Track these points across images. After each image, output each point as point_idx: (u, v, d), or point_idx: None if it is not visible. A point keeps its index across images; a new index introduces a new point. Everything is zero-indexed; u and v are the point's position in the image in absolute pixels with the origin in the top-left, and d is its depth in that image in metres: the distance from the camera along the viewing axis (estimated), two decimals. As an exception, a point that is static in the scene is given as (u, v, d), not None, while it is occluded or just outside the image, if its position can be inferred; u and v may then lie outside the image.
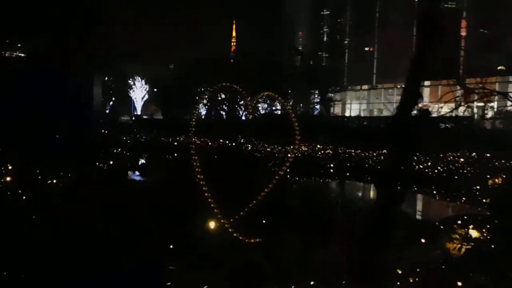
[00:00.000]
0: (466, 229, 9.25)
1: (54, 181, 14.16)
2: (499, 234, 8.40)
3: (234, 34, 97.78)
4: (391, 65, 44.33)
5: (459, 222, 9.62)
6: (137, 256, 9.11)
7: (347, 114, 49.55)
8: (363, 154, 26.26)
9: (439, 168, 21.99)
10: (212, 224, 10.85)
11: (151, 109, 62.33)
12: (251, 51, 58.52)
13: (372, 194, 20.48)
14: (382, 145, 25.74)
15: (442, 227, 9.68)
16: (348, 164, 25.94)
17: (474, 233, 9.04)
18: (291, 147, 13.27)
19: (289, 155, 12.43)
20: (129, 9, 57.06)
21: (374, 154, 26.12)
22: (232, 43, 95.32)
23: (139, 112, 62.67)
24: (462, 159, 21.74)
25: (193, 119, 9.85)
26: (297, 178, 23.34)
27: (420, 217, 11.29)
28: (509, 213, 8.92)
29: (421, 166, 22.80)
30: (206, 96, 10.00)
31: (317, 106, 51.05)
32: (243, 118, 56.58)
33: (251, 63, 52.95)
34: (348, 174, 25.12)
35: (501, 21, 34.49)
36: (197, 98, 60.04)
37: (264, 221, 12.30)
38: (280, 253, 9.48)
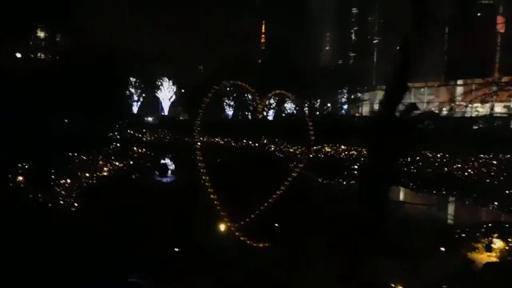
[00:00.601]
0: (490, 238, 8.52)
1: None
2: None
3: (263, 35, 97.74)
4: (420, 63, 42.85)
5: (483, 230, 8.88)
6: (135, 259, 8.90)
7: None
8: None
9: (469, 170, 20.91)
10: (220, 228, 10.54)
11: (177, 110, 62.87)
12: (278, 51, 58.08)
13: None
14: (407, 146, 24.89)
15: (463, 235, 8.95)
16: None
17: (498, 243, 8.30)
18: (304, 148, 12.82)
19: (305, 156, 11.94)
20: (154, 9, 57.80)
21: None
22: (262, 43, 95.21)
23: (166, 113, 63.26)
24: (494, 162, 20.56)
25: (198, 120, 9.54)
26: (319, 180, 22.76)
27: (443, 223, 10.54)
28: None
29: (448, 168, 21.80)
30: (210, 95, 9.64)
31: (345, 106, 50.18)
32: (269, 118, 56.23)
33: (278, 63, 52.53)
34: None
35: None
36: (222, 98, 60.51)
37: (276, 224, 11.90)
38: (283, 259, 9.05)
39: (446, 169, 22.25)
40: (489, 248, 8.22)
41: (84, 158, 19.37)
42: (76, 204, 12.76)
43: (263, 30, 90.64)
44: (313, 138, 11.24)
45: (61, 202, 12.50)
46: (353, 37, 50.80)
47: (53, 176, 13.41)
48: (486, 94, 32.35)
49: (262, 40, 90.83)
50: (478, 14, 41.33)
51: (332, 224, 11.42)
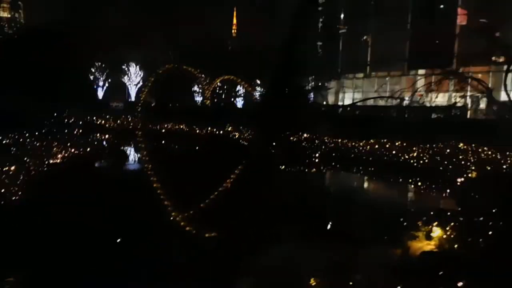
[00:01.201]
0: (430, 227, 8.68)
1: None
2: (463, 233, 7.82)
3: (234, 21, 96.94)
4: (385, 53, 43.55)
5: (425, 218, 9.04)
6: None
7: (341, 103, 48.81)
8: (349, 144, 25.66)
9: (424, 159, 21.41)
10: (167, 218, 10.36)
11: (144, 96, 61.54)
12: (248, 39, 57.60)
13: (352, 184, 19.99)
14: (372, 134, 25.40)
15: (405, 224, 9.09)
16: (334, 154, 25.41)
17: (438, 231, 8.47)
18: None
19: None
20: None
21: (361, 143, 25.49)
22: (233, 30, 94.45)
23: (133, 99, 61.98)
24: (449, 150, 21.09)
25: (139, 104, 9.22)
26: (280, 168, 22.85)
27: (388, 212, 10.70)
28: (474, 208, 8.30)
29: (406, 156, 22.26)
30: (152, 79, 9.34)
31: (312, 95, 50.33)
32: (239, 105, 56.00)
33: (245, 51, 52.24)
34: (333, 164, 24.63)
35: (497, 8, 33.59)
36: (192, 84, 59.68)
37: (227, 214, 11.81)
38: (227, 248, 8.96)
39: (403, 156, 22.70)
40: (428, 237, 8.37)
41: (35, 142, 18.65)
42: (19, 194, 12.25)
43: (234, 21, 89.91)
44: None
45: (2, 191, 11.93)
46: (320, 25, 50.69)
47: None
48: (442, 84, 33.39)
49: (234, 29, 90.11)
50: (441, 6, 42.18)
51: (281, 212, 11.45)
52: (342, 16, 51.83)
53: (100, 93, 58.64)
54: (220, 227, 10.33)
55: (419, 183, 18.80)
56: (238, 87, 52.26)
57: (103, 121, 35.92)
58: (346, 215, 10.62)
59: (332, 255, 8.33)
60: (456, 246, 7.57)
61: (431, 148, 22.01)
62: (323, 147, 26.35)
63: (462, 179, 15.40)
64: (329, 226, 9.87)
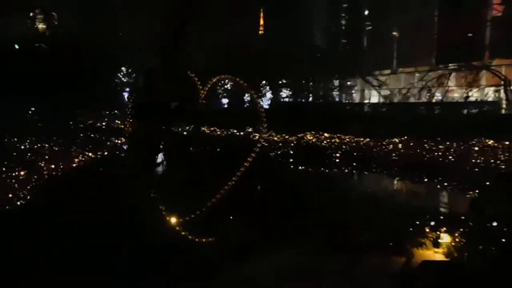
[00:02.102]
0: (437, 233, 8.01)
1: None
2: (472, 240, 7.13)
3: (261, 22, 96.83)
4: (412, 48, 42.13)
5: (433, 223, 8.36)
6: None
7: (366, 101, 47.62)
8: (371, 143, 24.77)
9: (450, 157, 20.37)
10: (166, 223, 10.10)
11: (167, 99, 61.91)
12: (272, 39, 57.39)
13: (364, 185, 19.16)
14: (397, 132, 24.50)
15: (412, 229, 8.43)
16: (355, 154, 24.57)
17: (446, 238, 7.79)
18: (259, 136, 12.32)
19: (257, 145, 11.41)
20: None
21: (384, 142, 24.59)
22: (260, 32, 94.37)
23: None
24: (477, 148, 19.96)
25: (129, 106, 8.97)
26: (299, 168, 22.40)
27: (399, 215, 10.04)
28: (487, 214, 7.57)
29: (432, 155, 21.25)
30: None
31: (336, 94, 49.54)
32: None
33: (270, 51, 52.10)
34: (355, 164, 23.83)
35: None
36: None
37: (230, 218, 11.46)
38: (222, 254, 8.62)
39: (429, 155, 21.72)
40: (436, 244, 7.71)
41: (54, 147, 18.88)
42: (27, 199, 12.31)
43: (261, 22, 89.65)
44: (265, 125, 10.78)
45: (10, 196, 11.99)
46: (344, 23, 49.76)
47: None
48: (474, 78, 31.91)
49: (261, 29, 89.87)
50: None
51: (286, 215, 10.99)
52: (366, 12, 50.57)
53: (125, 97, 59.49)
54: (219, 232, 10.02)
55: (444, 184, 17.82)
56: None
57: (124, 125, 36.24)
58: (353, 219, 10.04)
59: (331, 261, 7.89)
60: (465, 254, 6.91)
61: (458, 146, 20.93)
62: (345, 146, 25.56)
63: (488, 179, 14.42)
64: (332, 230, 9.32)
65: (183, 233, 9.27)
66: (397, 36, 45.98)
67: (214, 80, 10.90)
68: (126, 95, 57.67)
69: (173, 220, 10.49)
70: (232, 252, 9.13)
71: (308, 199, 13.83)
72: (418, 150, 22.18)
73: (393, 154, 23.45)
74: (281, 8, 58.75)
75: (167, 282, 7.72)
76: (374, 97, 46.40)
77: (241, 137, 31.64)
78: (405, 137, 23.80)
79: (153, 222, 9.96)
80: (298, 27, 52.29)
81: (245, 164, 10.98)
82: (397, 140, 24.12)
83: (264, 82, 55.22)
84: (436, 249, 7.60)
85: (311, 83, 51.66)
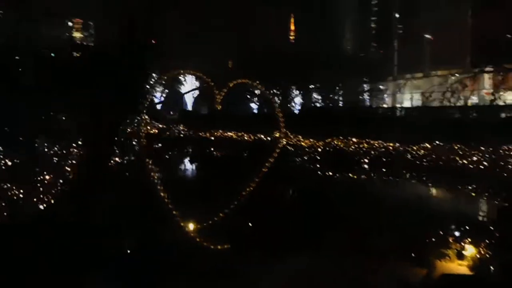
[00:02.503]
0: (462, 244, 7.53)
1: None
2: (498, 252, 6.64)
3: (292, 27, 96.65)
4: (446, 50, 40.74)
5: (457, 233, 7.87)
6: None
7: (399, 105, 46.42)
8: (401, 149, 24.01)
9: (485, 163, 19.43)
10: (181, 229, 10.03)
11: (199, 105, 62.64)
12: (302, 43, 57.15)
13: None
14: (429, 137, 23.68)
15: (434, 239, 7.97)
16: (385, 159, 23.89)
17: (471, 249, 7.31)
18: (278, 140, 12.10)
19: (276, 150, 11.16)
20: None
21: (415, 147, 23.78)
22: (290, 36, 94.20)
23: (189, 108, 63.24)
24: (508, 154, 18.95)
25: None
26: (327, 174, 22.01)
27: (424, 225, 9.57)
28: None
29: (464, 161, 20.37)
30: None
31: (367, 98, 48.63)
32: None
33: (300, 56, 51.94)
34: (384, 170, 23.19)
35: None
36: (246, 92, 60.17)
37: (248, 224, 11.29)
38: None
39: (461, 161, 20.84)
40: (460, 256, 7.24)
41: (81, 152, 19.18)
42: (50, 203, 12.53)
43: (292, 27, 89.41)
44: (284, 130, 10.55)
45: (34, 200, 12.24)
46: (374, 25, 48.88)
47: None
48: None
49: (291, 35, 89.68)
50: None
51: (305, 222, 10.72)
52: (397, 14, 49.50)
53: (158, 104, 60.46)
54: (235, 238, 9.86)
55: (477, 191, 17.00)
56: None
57: (153, 130, 36.80)
58: (376, 226, 9.64)
59: (351, 269, 7.57)
60: (490, 268, 6.43)
61: (493, 151, 19.96)
62: (373, 152, 24.91)
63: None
64: (352, 237, 8.99)
65: (197, 239, 9.13)
66: (429, 38, 44.70)
67: (230, 85, 10.79)
68: (156, 100, 58.94)
69: (191, 225, 10.42)
70: (247, 258, 8.96)
71: (330, 206, 13.50)
72: (450, 156, 21.33)
73: (424, 160, 22.68)
74: (311, 12, 58.51)
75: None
76: (407, 101, 45.22)
77: (269, 142, 31.51)
78: (437, 142, 22.95)
79: (168, 228, 9.89)
80: (327, 30, 51.82)
81: (262, 169, 10.75)
82: (428, 145, 23.29)
83: (294, 86, 55.04)
84: (460, 261, 7.13)
85: (340, 87, 51.02)
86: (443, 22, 40.63)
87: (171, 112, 58.06)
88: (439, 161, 21.83)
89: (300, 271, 7.63)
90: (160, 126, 38.43)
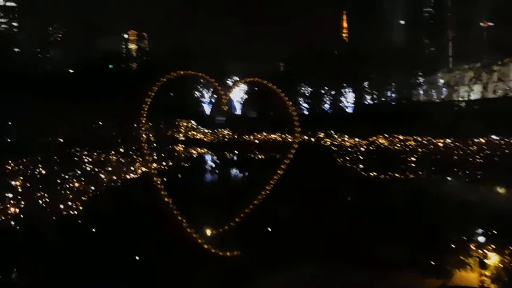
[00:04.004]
0: (485, 251, 6.57)
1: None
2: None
3: (345, 24, 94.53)
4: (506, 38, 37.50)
5: (481, 239, 6.88)
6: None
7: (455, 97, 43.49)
8: (453, 145, 22.28)
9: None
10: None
11: (249, 108, 62.59)
12: (354, 40, 55.82)
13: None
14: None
15: (454, 246, 7.02)
16: (433, 157, 22.26)
17: (494, 257, 6.35)
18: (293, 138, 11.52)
19: (291, 150, 10.57)
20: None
21: (469, 142, 22.00)
22: (343, 34, 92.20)
23: (238, 112, 63.50)
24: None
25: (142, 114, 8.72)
26: (364, 174, 20.99)
27: (448, 228, 8.57)
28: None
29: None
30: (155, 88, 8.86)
31: (421, 91, 46.13)
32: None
33: (352, 54, 50.82)
34: (432, 168, 21.65)
35: None
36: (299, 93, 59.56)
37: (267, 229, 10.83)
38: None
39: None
40: (483, 264, 6.31)
41: (120, 158, 19.60)
42: (79, 210, 12.79)
43: (344, 24, 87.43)
44: (299, 129, 10.02)
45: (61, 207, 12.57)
46: (427, 15, 46.38)
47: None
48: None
49: (345, 31, 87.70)
50: None
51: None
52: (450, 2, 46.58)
53: (207, 108, 61.23)
54: (248, 245, 9.45)
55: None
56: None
57: (200, 135, 37.16)
58: (396, 232, 8.81)
59: (361, 277, 6.89)
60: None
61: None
62: (421, 149, 23.33)
63: None
64: (369, 243, 8.25)
65: (205, 246, 8.81)
66: (486, 25, 41.45)
67: (238, 84, 10.36)
68: (204, 105, 59.87)
69: (208, 231, 10.16)
70: (260, 266, 8.53)
71: (362, 208, 12.70)
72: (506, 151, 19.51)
73: (477, 156, 20.92)
74: (361, 8, 56.88)
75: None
76: (464, 93, 42.08)
77: (312, 142, 30.70)
78: (492, 136, 21.13)
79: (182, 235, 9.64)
80: (379, 25, 50.01)
81: (279, 171, 10.22)
82: (482, 140, 21.50)
83: (345, 84, 53.67)
84: (482, 271, 6.19)
85: (392, 82, 48.95)
86: (502, 8, 37.51)
87: (219, 117, 58.65)
88: (495, 158, 20.05)
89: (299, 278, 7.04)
90: (206, 130, 38.89)
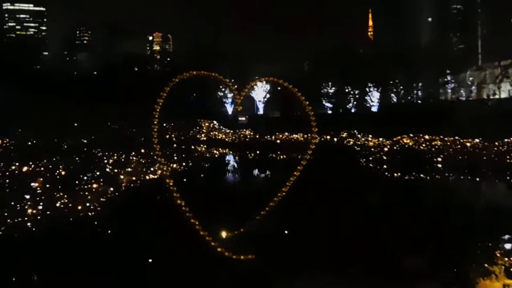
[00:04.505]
0: (511, 259, 6.12)
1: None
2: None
3: (370, 23, 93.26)
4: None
5: (507, 246, 6.42)
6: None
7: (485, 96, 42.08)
8: (480, 145, 21.44)
9: None
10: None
11: (271, 109, 62.44)
12: (380, 39, 55.12)
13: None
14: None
15: (479, 251, 6.58)
16: (460, 158, 21.45)
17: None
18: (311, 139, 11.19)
19: (308, 151, 10.25)
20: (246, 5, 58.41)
21: (500, 143, 21.14)
22: (369, 33, 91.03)
23: (261, 112, 63.40)
24: None
25: (155, 116, 8.59)
26: (387, 175, 20.43)
27: (471, 234, 8.10)
28: None
29: None
30: (167, 88, 8.71)
31: (448, 89, 44.97)
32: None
33: (377, 53, 50.22)
34: (460, 169, 20.85)
35: None
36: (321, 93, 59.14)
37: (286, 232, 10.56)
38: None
39: None
40: (509, 273, 5.88)
41: (141, 159, 19.63)
42: (96, 210, 12.80)
43: (370, 23, 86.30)
44: (316, 130, 9.71)
45: (79, 208, 12.60)
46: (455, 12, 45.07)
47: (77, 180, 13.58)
48: None
49: (370, 32, 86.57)
50: None
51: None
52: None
53: (230, 109, 61.34)
54: (263, 249, 9.20)
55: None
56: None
57: (222, 135, 37.13)
58: (417, 237, 8.39)
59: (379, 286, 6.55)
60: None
61: None
62: (447, 149, 22.56)
63: None
64: (388, 249, 7.89)
65: (219, 249, 8.61)
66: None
67: (252, 84, 10.15)
68: (227, 106, 60.08)
69: (223, 234, 9.96)
70: (275, 271, 8.27)
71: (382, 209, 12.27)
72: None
73: (507, 157, 20.06)
74: (387, 5, 56.01)
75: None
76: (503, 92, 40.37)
77: (336, 143, 30.23)
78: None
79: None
80: (405, 23, 49.10)
81: (295, 173, 9.92)
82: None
83: (370, 83, 52.99)
84: (507, 281, 5.77)
85: (420, 81, 47.97)
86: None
87: (242, 118, 58.70)
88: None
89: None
90: (228, 131, 38.87)
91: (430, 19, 50.74)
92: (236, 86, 9.52)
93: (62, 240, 10.19)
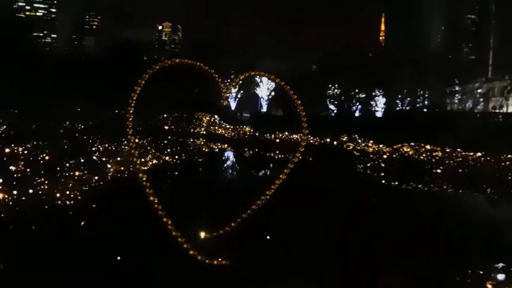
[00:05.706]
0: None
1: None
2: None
3: (383, 27, 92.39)
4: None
5: (500, 265, 5.86)
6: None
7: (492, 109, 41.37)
8: (483, 159, 20.82)
9: None
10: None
11: (274, 107, 62.01)
12: (391, 44, 54.50)
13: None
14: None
15: (469, 280, 6.00)
16: (461, 170, 20.85)
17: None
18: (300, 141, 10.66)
19: (297, 154, 9.68)
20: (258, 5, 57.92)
21: (502, 157, 20.54)
22: (380, 37, 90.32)
23: (264, 109, 62.96)
24: None
25: (128, 114, 8.03)
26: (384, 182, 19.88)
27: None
28: None
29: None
30: (141, 82, 8.29)
31: (455, 100, 44.30)
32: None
33: (386, 57, 49.65)
34: (459, 181, 20.27)
35: None
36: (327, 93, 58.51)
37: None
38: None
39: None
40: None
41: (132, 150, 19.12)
42: (77, 199, 12.34)
43: (382, 27, 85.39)
44: (306, 132, 9.17)
45: (58, 195, 12.12)
46: (469, 22, 44.28)
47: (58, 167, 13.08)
48: None
49: (382, 35, 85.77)
50: None
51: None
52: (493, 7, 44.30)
53: (233, 104, 60.90)
54: (237, 253, 8.66)
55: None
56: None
57: (221, 130, 36.62)
58: (406, 251, 7.86)
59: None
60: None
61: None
62: (448, 161, 21.95)
63: None
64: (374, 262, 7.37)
65: (191, 252, 8.08)
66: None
67: (241, 77, 9.63)
68: (231, 101, 59.63)
69: (200, 236, 9.44)
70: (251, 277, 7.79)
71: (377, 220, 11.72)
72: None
73: (509, 173, 19.45)
74: (401, 11, 55.36)
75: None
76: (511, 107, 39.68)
77: (336, 146, 29.63)
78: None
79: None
80: (417, 29, 48.39)
81: (281, 176, 9.36)
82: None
83: (378, 90, 52.39)
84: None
85: (426, 89, 47.30)
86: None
87: (244, 114, 58.27)
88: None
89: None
90: (228, 126, 38.37)
91: (443, 27, 49.94)
92: (221, 79, 8.99)
93: (25, 229, 9.70)
